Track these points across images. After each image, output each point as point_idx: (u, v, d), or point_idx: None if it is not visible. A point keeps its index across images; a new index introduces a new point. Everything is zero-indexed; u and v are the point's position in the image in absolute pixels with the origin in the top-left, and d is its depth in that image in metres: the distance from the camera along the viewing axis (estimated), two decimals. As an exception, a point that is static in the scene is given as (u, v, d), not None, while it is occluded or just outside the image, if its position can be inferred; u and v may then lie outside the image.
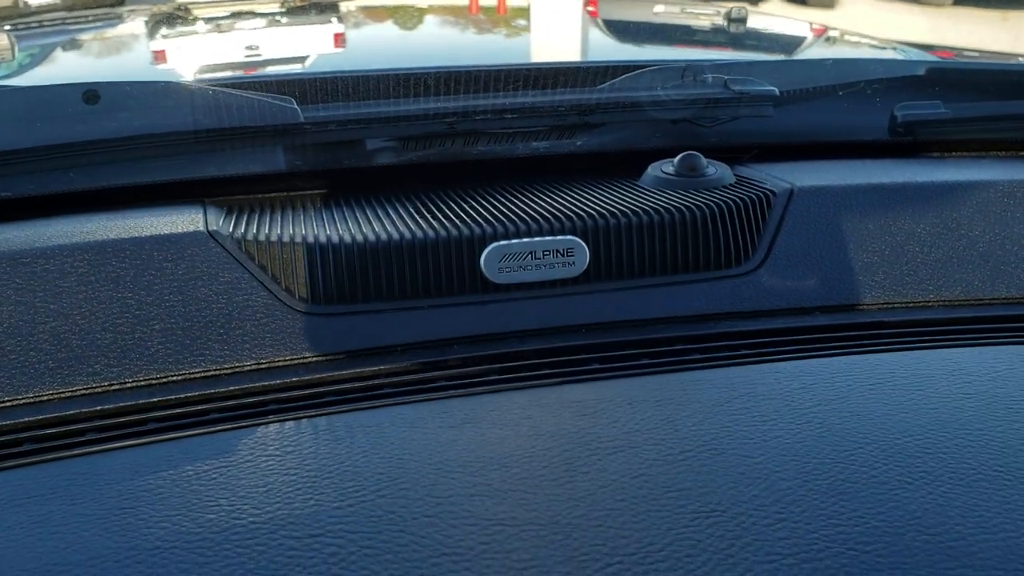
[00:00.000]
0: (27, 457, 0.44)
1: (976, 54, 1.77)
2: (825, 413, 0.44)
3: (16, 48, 1.28)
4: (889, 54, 1.44)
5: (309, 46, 1.59)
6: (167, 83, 0.65)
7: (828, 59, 0.87)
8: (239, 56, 1.52)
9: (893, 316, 0.57)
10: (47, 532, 0.38)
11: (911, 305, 0.59)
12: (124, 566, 0.36)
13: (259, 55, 1.51)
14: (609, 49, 1.64)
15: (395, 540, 0.36)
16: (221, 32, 1.67)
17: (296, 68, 1.45)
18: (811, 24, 1.81)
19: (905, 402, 0.45)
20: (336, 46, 1.59)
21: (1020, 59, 1.21)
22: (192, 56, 1.51)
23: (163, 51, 1.57)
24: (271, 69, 1.43)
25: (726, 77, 0.73)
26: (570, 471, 0.40)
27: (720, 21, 1.68)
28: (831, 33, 1.79)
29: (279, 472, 0.41)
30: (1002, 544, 0.36)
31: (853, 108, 0.76)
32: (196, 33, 1.69)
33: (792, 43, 1.72)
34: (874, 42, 1.68)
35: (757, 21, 1.86)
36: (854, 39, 1.79)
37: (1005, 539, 0.36)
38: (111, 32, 1.84)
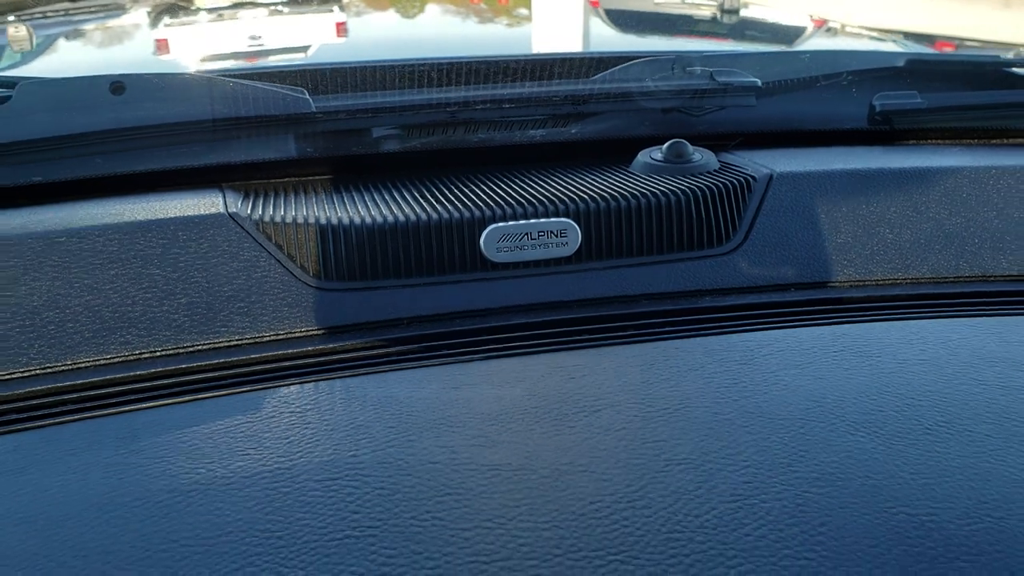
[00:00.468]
0: (70, 415, 0.50)
1: (977, 43, 1.81)
2: (790, 376, 0.49)
3: (34, 38, 1.33)
4: (874, 45, 1.49)
5: (311, 36, 1.63)
6: (188, 75, 0.71)
7: (809, 51, 0.92)
8: (242, 45, 1.56)
9: (862, 292, 0.63)
10: (97, 478, 0.44)
11: (880, 283, 0.64)
12: (164, 504, 0.42)
13: (261, 44, 1.56)
14: (610, 39, 1.68)
15: (403, 483, 0.42)
16: (223, 21, 1.71)
17: (299, 57, 1.49)
18: (811, 16, 1.85)
19: (863, 366, 0.50)
20: (338, 36, 1.63)
21: (1013, 49, 1.26)
22: (195, 45, 1.56)
23: (165, 40, 1.60)
24: (274, 59, 1.48)
25: (712, 69, 0.78)
26: (558, 425, 0.46)
27: (719, 13, 1.73)
28: (831, 24, 1.83)
29: (299, 427, 0.47)
30: (937, 490, 0.42)
31: (833, 98, 0.81)
32: (198, 23, 1.73)
33: (792, 34, 1.76)
34: (873, 33, 1.72)
35: (759, 12, 1.90)
36: (854, 30, 1.83)
37: (940, 483, 0.42)
38: (114, 22, 1.88)
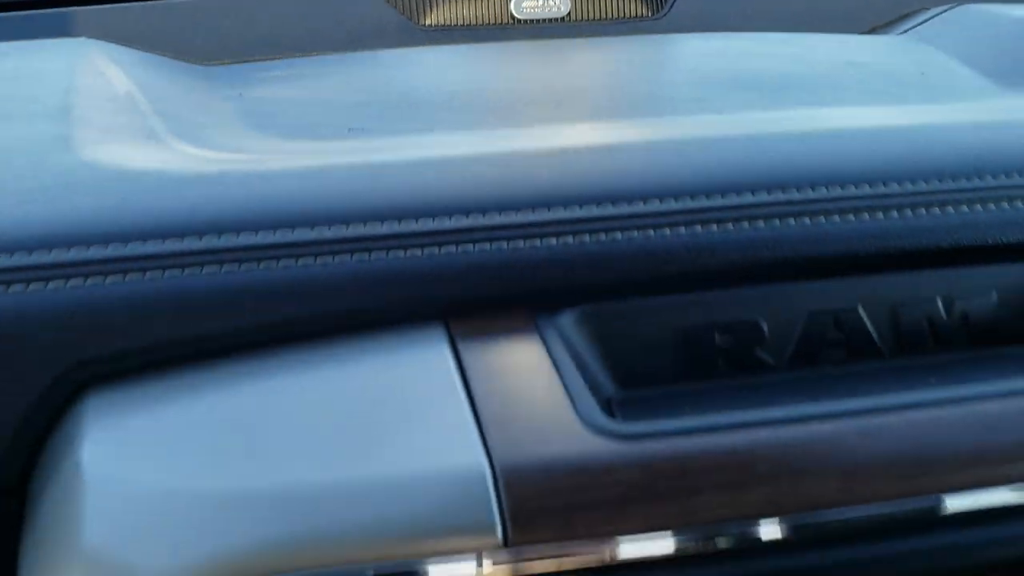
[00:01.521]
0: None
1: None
2: (695, 47, 0.92)
3: None
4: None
5: None
6: None
7: None
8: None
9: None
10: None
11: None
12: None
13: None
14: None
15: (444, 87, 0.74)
16: None
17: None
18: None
19: (739, 44, 0.90)
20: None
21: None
22: None
23: None
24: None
25: None
26: (550, 56, 0.88)
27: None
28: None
29: (406, 69, 0.83)
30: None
31: None
32: None
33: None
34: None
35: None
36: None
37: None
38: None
